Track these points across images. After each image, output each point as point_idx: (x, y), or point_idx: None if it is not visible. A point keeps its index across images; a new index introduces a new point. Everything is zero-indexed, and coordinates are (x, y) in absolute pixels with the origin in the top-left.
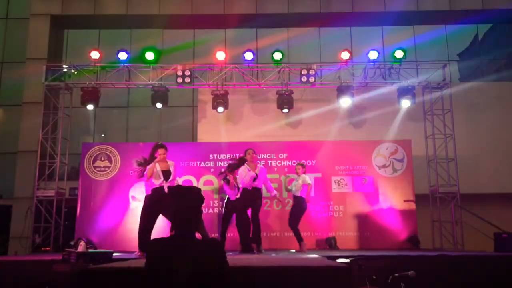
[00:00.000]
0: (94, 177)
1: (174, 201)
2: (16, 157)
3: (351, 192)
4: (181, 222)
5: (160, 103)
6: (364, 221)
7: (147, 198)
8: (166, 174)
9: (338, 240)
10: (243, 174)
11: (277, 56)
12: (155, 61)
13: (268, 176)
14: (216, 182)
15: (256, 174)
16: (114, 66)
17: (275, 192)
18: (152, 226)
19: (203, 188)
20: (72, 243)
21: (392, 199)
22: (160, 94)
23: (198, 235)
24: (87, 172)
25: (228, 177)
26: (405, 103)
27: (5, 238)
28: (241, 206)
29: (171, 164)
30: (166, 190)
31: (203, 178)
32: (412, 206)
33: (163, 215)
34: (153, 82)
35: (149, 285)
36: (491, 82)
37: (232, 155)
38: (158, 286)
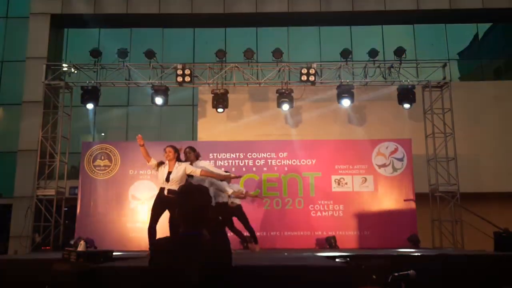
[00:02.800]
0: (94, 176)
1: (181, 200)
2: (16, 156)
3: (351, 192)
4: (188, 221)
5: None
6: (364, 221)
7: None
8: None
9: (338, 239)
10: None
11: (277, 55)
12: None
13: (268, 175)
14: None
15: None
16: (114, 65)
17: None
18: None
19: None
20: (72, 242)
21: (392, 198)
22: (160, 93)
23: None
24: (87, 171)
25: None
26: (405, 102)
27: (5, 237)
28: None
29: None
30: (166, 192)
31: None
32: (412, 205)
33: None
34: (153, 81)
35: (154, 284)
36: (491, 81)
37: (232, 155)
38: (163, 286)
